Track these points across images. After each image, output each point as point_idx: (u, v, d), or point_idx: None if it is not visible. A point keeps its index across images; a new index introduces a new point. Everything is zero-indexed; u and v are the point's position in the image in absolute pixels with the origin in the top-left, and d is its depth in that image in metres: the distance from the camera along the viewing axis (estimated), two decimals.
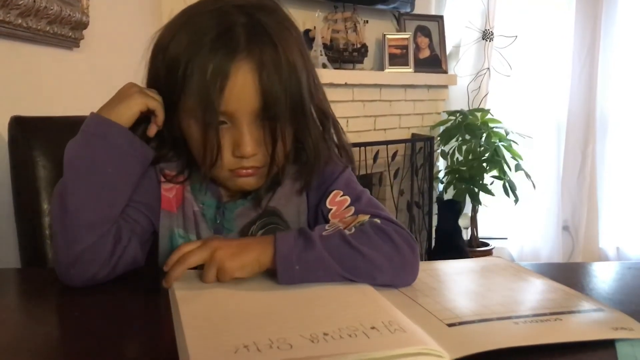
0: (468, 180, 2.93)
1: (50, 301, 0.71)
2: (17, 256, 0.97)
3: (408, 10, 3.10)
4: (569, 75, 3.29)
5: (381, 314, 0.59)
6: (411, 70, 2.99)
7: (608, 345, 0.55)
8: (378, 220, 0.72)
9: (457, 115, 3.04)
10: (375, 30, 2.97)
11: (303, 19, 2.66)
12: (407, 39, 3.00)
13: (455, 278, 0.76)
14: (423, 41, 3.14)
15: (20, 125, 0.96)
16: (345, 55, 2.76)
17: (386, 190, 2.90)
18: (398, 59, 2.98)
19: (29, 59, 1.24)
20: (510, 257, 3.43)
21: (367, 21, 2.86)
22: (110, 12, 1.59)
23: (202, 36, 0.73)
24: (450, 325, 0.59)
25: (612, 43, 3.30)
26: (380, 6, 2.96)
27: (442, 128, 3.10)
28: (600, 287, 0.74)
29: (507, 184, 2.94)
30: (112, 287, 0.73)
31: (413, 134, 3.08)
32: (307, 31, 2.63)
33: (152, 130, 0.78)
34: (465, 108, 3.18)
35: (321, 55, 2.57)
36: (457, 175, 2.96)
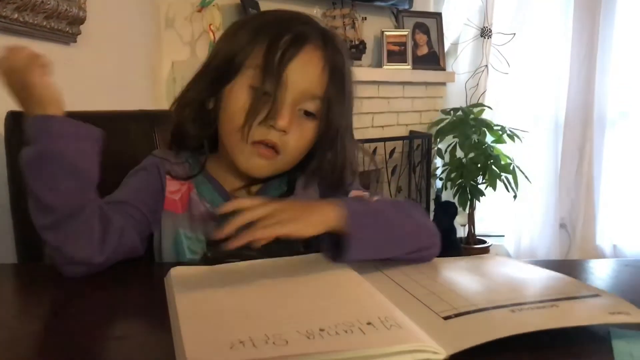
0: (465, 177, 2.94)
1: (47, 297, 0.71)
2: (14, 251, 0.97)
3: (406, 7, 3.10)
4: (567, 73, 3.29)
5: (377, 309, 0.59)
6: (409, 67, 2.99)
7: (604, 341, 0.55)
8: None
9: (455, 113, 3.04)
10: (373, 27, 2.96)
11: None
12: (405, 35, 3.00)
13: (452, 271, 0.76)
14: (421, 38, 3.14)
15: (16, 120, 0.96)
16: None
17: (384, 187, 2.90)
18: (396, 56, 2.98)
19: None
20: (507, 254, 3.44)
21: (365, 18, 2.85)
22: (107, 7, 1.59)
23: (280, 25, 0.79)
24: (446, 318, 0.58)
25: (610, 41, 3.30)
26: (378, 3, 2.96)
27: (438, 126, 3.10)
28: (596, 284, 0.75)
29: (506, 180, 2.95)
30: (109, 283, 0.72)
31: (411, 131, 3.08)
32: None
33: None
34: (464, 105, 3.18)
35: None
36: (454, 174, 2.97)
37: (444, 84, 3.25)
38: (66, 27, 1.32)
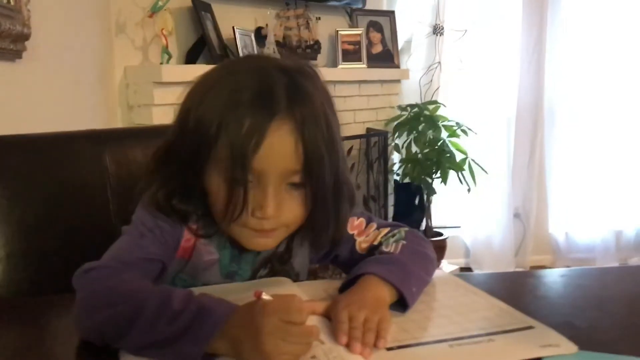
0: (420, 172, 3.00)
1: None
2: None
3: (360, 6, 3.12)
4: (517, 68, 3.38)
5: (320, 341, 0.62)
6: (364, 66, 3.02)
7: None
8: (403, 233, 0.85)
9: (410, 109, 3.10)
10: (327, 26, 2.98)
11: (254, 16, 2.66)
12: (359, 34, 3.03)
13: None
14: (375, 36, 3.18)
15: None
16: (299, 53, 2.77)
17: (350, 178, 2.93)
18: (351, 55, 3.01)
19: None
20: (464, 245, 3.53)
21: (319, 18, 2.87)
22: (53, 21, 1.56)
23: (241, 93, 0.72)
24: (389, 349, 0.62)
25: (558, 35, 3.41)
26: (332, 2, 2.98)
27: (395, 123, 3.16)
28: (530, 298, 0.79)
29: (461, 174, 3.03)
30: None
31: (368, 129, 3.12)
32: (259, 29, 2.63)
33: None
34: (419, 101, 3.24)
35: (274, 53, 2.57)
36: (409, 169, 3.03)
37: (398, 81, 3.30)
38: (10, 45, 1.30)
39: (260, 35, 2.61)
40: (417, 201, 3.20)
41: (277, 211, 0.74)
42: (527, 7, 3.34)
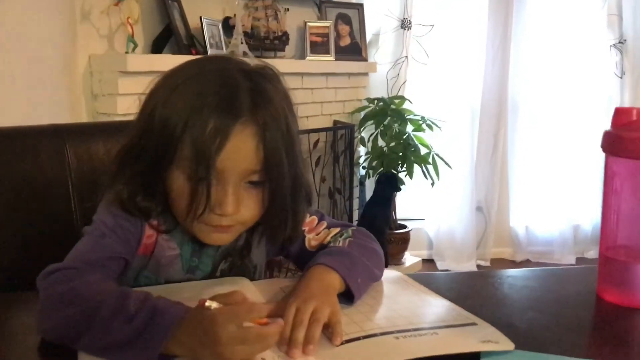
0: (386, 166, 3.05)
1: None
2: None
3: None
4: (482, 63, 3.44)
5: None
6: (332, 58, 3.04)
7: (475, 358, 0.63)
8: (350, 232, 0.89)
9: (377, 102, 3.13)
10: (296, 18, 2.99)
11: (222, 6, 2.65)
12: (328, 27, 3.04)
13: None
14: (344, 29, 3.19)
15: None
16: (267, 44, 2.77)
17: (309, 178, 2.95)
18: (319, 47, 3.02)
19: None
20: (428, 237, 3.60)
21: (288, 9, 2.87)
22: (13, 9, 1.54)
23: (205, 96, 0.75)
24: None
25: (523, 31, 3.48)
26: None
27: (362, 114, 3.19)
28: (476, 298, 0.83)
29: (425, 168, 3.08)
30: None
31: (335, 121, 3.14)
32: (227, 19, 2.62)
33: None
34: (385, 95, 3.28)
35: (242, 43, 2.57)
36: (375, 162, 3.07)
37: (366, 74, 3.33)
38: None
39: (228, 25, 2.60)
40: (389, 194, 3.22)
41: (236, 208, 0.76)
42: (493, 3, 3.39)
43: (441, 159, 3.14)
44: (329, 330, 0.67)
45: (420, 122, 3.12)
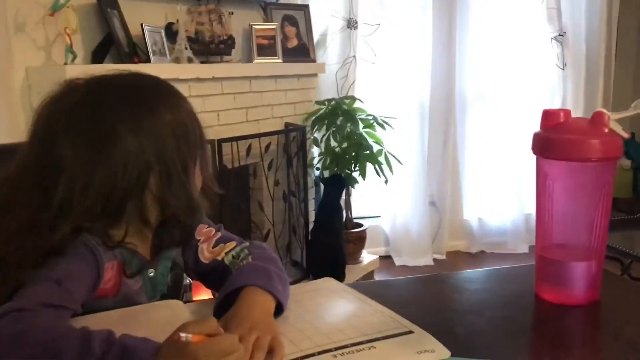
0: (340, 166, 3.06)
1: None
2: None
3: (274, 0, 3.11)
4: (429, 60, 3.49)
5: None
6: (280, 60, 3.02)
7: None
8: (246, 250, 0.90)
9: (327, 103, 3.13)
10: (241, 21, 2.96)
11: (165, 12, 2.60)
12: (274, 29, 3.03)
13: (288, 305, 0.82)
14: (290, 31, 3.18)
15: None
16: (212, 48, 2.73)
17: (262, 181, 2.94)
18: (266, 50, 3.00)
19: None
20: (384, 235, 3.63)
21: (232, 13, 2.84)
22: None
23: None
24: None
25: (467, 27, 3.55)
26: None
27: (315, 115, 3.19)
28: (416, 304, 0.83)
29: (378, 167, 3.10)
30: None
31: (286, 123, 3.13)
32: (170, 25, 2.57)
33: None
34: (336, 95, 3.28)
35: (186, 49, 2.53)
36: (329, 163, 3.08)
37: (315, 75, 3.32)
38: None
39: (171, 31, 2.55)
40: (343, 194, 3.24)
41: None
42: (437, 2, 3.44)
43: (393, 156, 3.17)
44: (271, 356, 0.68)
45: (372, 122, 3.14)
